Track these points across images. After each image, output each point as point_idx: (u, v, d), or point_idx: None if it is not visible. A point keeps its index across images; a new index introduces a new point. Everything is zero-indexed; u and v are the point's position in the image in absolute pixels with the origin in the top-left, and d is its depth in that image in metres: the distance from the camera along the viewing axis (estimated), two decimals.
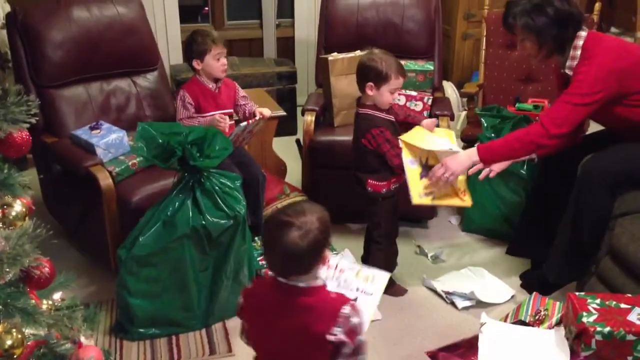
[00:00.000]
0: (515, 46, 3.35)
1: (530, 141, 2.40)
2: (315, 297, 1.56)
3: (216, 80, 2.84)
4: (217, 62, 2.78)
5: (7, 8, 3.44)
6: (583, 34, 2.42)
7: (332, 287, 1.82)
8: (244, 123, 2.70)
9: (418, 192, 2.42)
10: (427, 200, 2.45)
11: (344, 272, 1.95)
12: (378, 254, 2.62)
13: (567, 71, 2.47)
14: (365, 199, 2.57)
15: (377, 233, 2.62)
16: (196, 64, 2.78)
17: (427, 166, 2.46)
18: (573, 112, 2.37)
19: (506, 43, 3.47)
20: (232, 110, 2.91)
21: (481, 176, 2.49)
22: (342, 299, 1.56)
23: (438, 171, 2.40)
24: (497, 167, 2.50)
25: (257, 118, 2.81)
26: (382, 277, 1.96)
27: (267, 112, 2.90)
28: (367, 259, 2.65)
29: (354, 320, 1.52)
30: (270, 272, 1.62)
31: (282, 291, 1.58)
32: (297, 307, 1.56)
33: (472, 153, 2.46)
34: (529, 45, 2.47)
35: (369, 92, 2.44)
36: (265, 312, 1.64)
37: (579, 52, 2.41)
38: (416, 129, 2.53)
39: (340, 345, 1.51)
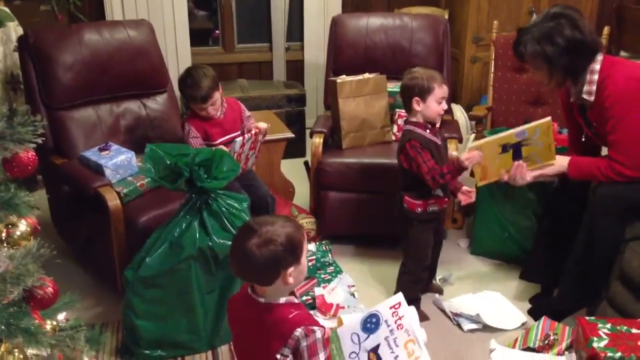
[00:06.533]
0: (524, 70, 3.38)
1: (609, 176, 2.35)
2: (273, 315, 1.58)
3: None
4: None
5: (20, 31, 3.50)
6: (600, 57, 2.36)
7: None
8: (238, 139, 2.66)
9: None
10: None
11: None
12: (402, 276, 2.66)
13: (584, 96, 2.39)
14: (401, 218, 2.58)
15: (405, 255, 2.65)
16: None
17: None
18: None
19: (515, 66, 3.47)
20: (239, 133, 2.88)
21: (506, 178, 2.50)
22: (298, 319, 1.56)
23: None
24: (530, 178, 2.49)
25: (252, 132, 2.75)
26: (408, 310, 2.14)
27: (262, 125, 2.87)
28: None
29: (304, 342, 1.53)
30: None
31: (250, 304, 1.62)
32: (260, 322, 1.60)
33: (564, 162, 2.47)
34: (540, 73, 2.43)
35: (417, 107, 2.46)
36: (239, 322, 1.69)
37: (596, 77, 2.35)
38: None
39: None
